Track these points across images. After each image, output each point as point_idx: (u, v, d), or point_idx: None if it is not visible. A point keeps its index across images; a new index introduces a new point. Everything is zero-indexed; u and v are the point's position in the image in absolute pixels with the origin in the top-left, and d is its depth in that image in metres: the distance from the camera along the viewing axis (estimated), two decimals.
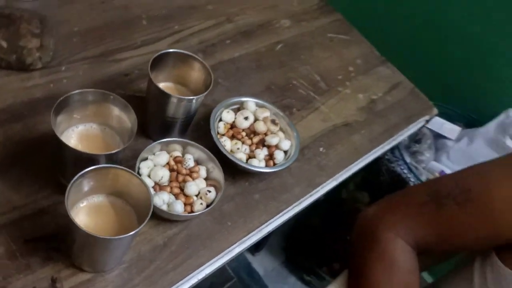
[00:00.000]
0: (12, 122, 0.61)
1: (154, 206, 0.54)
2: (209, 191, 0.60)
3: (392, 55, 1.02)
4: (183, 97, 0.61)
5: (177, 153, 0.63)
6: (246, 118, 0.70)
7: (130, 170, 0.50)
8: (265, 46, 0.89)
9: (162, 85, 0.64)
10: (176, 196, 0.60)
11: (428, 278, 1.39)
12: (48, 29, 0.69)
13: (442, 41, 1.30)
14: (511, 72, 1.20)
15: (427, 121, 0.94)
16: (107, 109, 0.56)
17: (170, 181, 0.61)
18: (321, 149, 0.77)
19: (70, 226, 0.47)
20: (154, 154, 0.62)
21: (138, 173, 0.60)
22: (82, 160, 0.52)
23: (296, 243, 1.51)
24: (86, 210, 0.52)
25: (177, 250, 0.58)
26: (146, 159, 0.61)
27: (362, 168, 0.80)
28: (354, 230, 0.67)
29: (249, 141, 0.68)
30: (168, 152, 0.63)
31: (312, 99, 0.84)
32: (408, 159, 1.10)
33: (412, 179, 1.05)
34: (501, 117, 1.15)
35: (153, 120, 0.65)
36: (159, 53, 0.63)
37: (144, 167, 0.60)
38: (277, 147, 0.69)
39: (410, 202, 0.63)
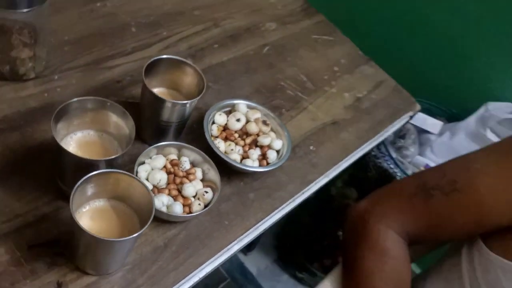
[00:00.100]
0: (10, 132, 0.62)
1: (155, 208, 0.55)
2: (206, 192, 0.62)
3: (374, 54, 1.05)
4: (178, 101, 0.63)
5: (173, 156, 0.65)
6: (238, 120, 0.72)
7: (131, 175, 0.52)
8: (253, 49, 0.91)
9: (155, 91, 0.66)
10: (175, 198, 0.61)
11: (416, 269, 1.42)
12: (39, 39, 0.69)
13: (421, 39, 1.34)
14: (488, 67, 1.24)
15: (411, 117, 0.97)
16: (105, 116, 0.58)
17: (168, 183, 0.63)
18: (311, 147, 0.79)
19: (75, 230, 0.48)
20: (150, 158, 0.64)
21: (137, 176, 0.61)
22: (83, 166, 0.53)
23: (287, 241, 1.54)
24: (89, 215, 0.53)
25: (178, 250, 0.60)
26: (143, 163, 0.63)
27: (351, 164, 0.83)
28: (346, 223, 0.69)
29: (242, 142, 0.70)
30: (164, 156, 0.65)
31: (300, 99, 0.86)
32: (394, 155, 1.13)
33: (398, 174, 1.08)
34: (481, 111, 1.19)
35: (148, 124, 0.67)
36: (152, 59, 0.64)
37: (142, 171, 0.62)
38: (269, 147, 0.71)
39: (399, 195, 0.65)
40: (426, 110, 1.23)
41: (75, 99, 0.54)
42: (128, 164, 0.64)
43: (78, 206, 0.53)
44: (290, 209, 0.71)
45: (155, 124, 0.66)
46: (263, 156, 0.70)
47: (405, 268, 0.64)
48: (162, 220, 0.61)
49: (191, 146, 0.65)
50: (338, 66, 0.97)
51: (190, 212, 0.61)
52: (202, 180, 0.65)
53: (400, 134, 1.20)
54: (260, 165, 0.69)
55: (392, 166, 1.09)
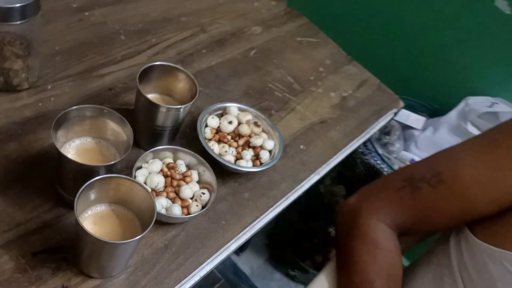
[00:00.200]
0: (7, 142, 0.63)
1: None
2: (203, 193, 0.64)
3: (357, 54, 1.08)
4: (172, 106, 0.65)
5: (169, 160, 0.67)
6: (230, 122, 0.74)
7: (133, 179, 0.54)
8: (240, 53, 0.93)
9: (149, 97, 0.67)
10: (173, 200, 0.63)
11: (405, 262, 1.45)
12: (32, 50, 0.71)
13: (401, 37, 1.37)
14: (466, 63, 1.28)
15: (395, 114, 1.00)
16: (102, 123, 0.59)
17: (165, 186, 0.64)
18: (301, 146, 0.82)
19: (80, 234, 0.50)
20: (147, 162, 0.65)
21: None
22: (83, 172, 0.55)
23: (278, 241, 1.56)
24: (92, 219, 0.55)
25: (178, 251, 0.62)
26: (140, 167, 0.64)
27: (340, 162, 0.85)
28: (337, 219, 0.72)
29: (235, 144, 0.72)
30: (161, 160, 0.66)
31: (288, 100, 0.89)
32: (380, 151, 1.17)
33: (385, 169, 1.12)
34: (461, 105, 1.23)
35: (143, 130, 0.68)
36: (145, 66, 0.66)
37: (140, 175, 0.63)
38: (261, 147, 0.73)
39: (388, 189, 0.67)
40: (409, 107, 1.26)
41: (74, 107, 0.56)
42: (125, 169, 0.66)
43: (80, 212, 0.54)
44: (284, 206, 0.73)
45: (150, 129, 0.67)
46: (256, 157, 0.72)
47: (397, 258, 0.66)
48: (162, 222, 0.62)
49: (186, 149, 0.67)
50: (323, 66, 1.00)
51: (189, 214, 0.63)
52: (198, 182, 0.67)
53: (385, 131, 1.23)
54: (254, 165, 0.72)
55: (379, 162, 1.12)
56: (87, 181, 0.51)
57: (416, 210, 0.64)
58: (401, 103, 1.01)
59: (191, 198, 0.64)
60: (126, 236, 0.55)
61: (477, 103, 1.20)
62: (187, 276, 0.60)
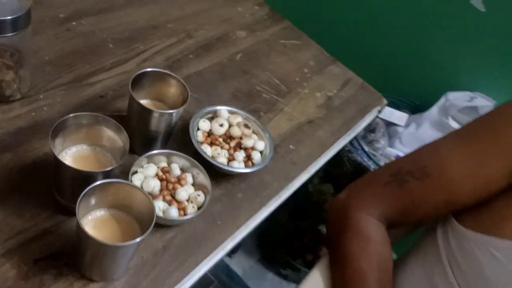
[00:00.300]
0: (2, 153, 0.64)
1: None
2: (199, 195, 0.66)
3: (339, 54, 1.11)
4: (165, 111, 0.66)
5: (164, 164, 0.68)
6: (221, 125, 0.75)
7: (132, 184, 0.55)
8: (226, 57, 0.95)
9: (141, 102, 0.69)
10: (169, 203, 0.65)
11: (393, 255, 1.48)
12: (23, 60, 0.71)
13: (381, 37, 1.41)
14: (444, 59, 1.32)
15: (379, 111, 1.03)
16: (98, 130, 0.60)
17: (161, 190, 0.66)
18: (291, 146, 0.84)
19: (82, 238, 0.51)
20: (142, 167, 0.67)
21: None
22: (82, 178, 0.56)
23: (269, 241, 1.58)
24: (92, 224, 0.56)
25: (176, 252, 0.63)
26: (136, 172, 0.66)
27: (328, 160, 0.88)
28: (328, 215, 0.74)
29: (227, 146, 0.74)
30: (155, 164, 0.68)
31: (275, 101, 0.91)
32: (366, 148, 1.20)
33: (372, 166, 1.15)
34: (442, 101, 1.27)
35: (136, 135, 0.70)
36: (137, 73, 0.67)
37: (136, 180, 0.65)
38: (253, 148, 0.75)
39: (375, 184, 0.70)
40: (392, 104, 1.30)
41: (70, 115, 0.57)
42: (121, 174, 0.67)
43: (81, 217, 0.55)
44: (277, 205, 0.75)
45: (144, 135, 0.69)
46: (248, 158, 0.74)
47: (387, 250, 0.69)
48: (159, 224, 0.64)
49: (179, 153, 0.68)
50: (308, 68, 1.03)
51: (185, 215, 0.65)
52: (193, 184, 0.68)
53: (370, 128, 1.27)
54: (246, 166, 0.73)
55: (365, 159, 1.15)
56: (86, 187, 0.53)
57: (403, 203, 0.66)
58: (385, 101, 1.04)
59: (187, 200, 0.66)
60: (126, 240, 0.56)
61: (457, 98, 1.24)
62: (186, 276, 0.61)
